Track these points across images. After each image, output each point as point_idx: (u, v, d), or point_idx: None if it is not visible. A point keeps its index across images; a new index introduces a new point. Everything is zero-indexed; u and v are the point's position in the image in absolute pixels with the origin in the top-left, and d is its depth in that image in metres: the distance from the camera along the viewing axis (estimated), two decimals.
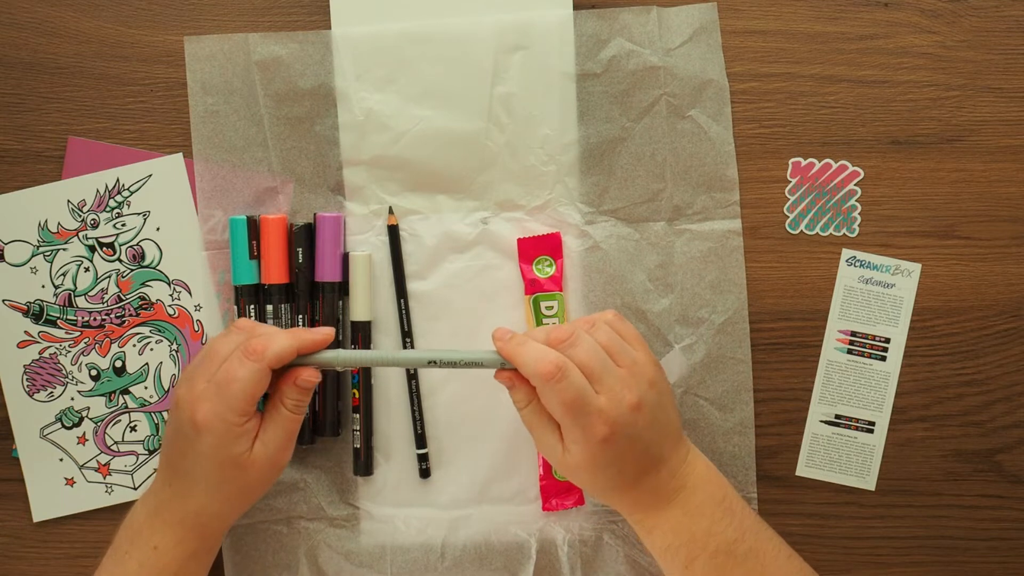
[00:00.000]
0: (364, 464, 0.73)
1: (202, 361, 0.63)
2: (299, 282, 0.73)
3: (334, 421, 0.73)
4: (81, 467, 0.75)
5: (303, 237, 0.73)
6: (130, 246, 0.75)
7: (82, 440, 0.75)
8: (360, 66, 0.73)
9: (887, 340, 0.73)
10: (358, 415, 0.73)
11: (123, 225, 0.74)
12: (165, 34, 0.74)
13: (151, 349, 0.75)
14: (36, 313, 0.74)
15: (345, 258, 0.73)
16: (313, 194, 0.74)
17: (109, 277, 0.75)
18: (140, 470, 0.75)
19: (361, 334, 0.73)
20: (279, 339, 0.62)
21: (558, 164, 0.73)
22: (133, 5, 0.74)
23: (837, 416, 0.74)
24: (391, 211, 0.74)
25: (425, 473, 0.74)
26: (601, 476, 0.61)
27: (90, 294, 0.75)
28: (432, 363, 0.63)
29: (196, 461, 0.62)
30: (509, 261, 0.74)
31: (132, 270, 0.75)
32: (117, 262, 0.75)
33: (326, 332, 0.64)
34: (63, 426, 0.75)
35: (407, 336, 0.73)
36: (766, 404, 0.74)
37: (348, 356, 0.64)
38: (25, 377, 0.75)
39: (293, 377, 0.63)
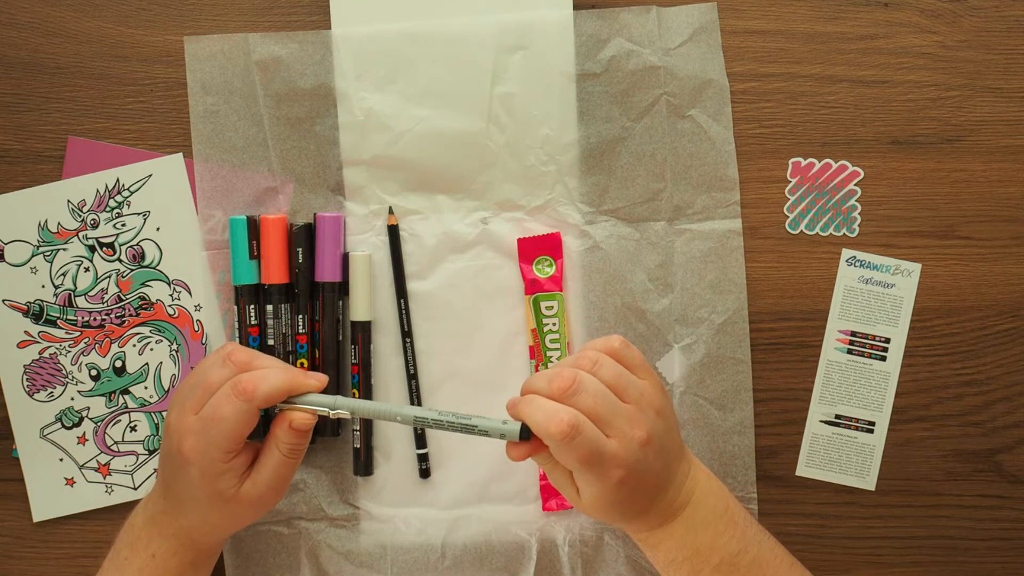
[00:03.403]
0: (364, 464, 0.73)
1: (193, 389, 0.62)
2: (299, 282, 0.73)
3: (334, 421, 0.73)
4: (81, 467, 0.75)
5: (303, 237, 0.73)
6: (130, 246, 0.75)
7: (82, 440, 0.75)
8: (360, 66, 0.73)
9: (887, 340, 0.73)
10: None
11: (123, 225, 0.74)
12: (165, 34, 0.74)
13: (151, 349, 0.75)
14: (36, 313, 0.75)
15: (345, 258, 0.74)
16: (313, 194, 0.74)
17: (109, 277, 0.75)
18: (140, 470, 0.75)
19: (361, 334, 0.73)
20: (270, 379, 0.60)
21: (558, 164, 0.73)
22: (133, 5, 0.74)
23: (837, 416, 0.74)
24: (391, 211, 0.74)
25: (425, 473, 0.74)
26: (614, 511, 0.61)
27: (90, 294, 0.75)
28: (436, 423, 0.60)
29: (185, 487, 0.61)
30: (509, 261, 0.74)
31: (132, 270, 0.75)
32: (117, 262, 0.75)
33: (320, 378, 0.62)
34: (63, 426, 0.75)
35: (407, 336, 0.73)
36: (766, 404, 0.74)
37: (347, 404, 0.62)
38: (25, 377, 0.75)
39: (287, 420, 0.61)
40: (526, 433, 0.59)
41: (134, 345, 0.75)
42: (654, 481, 0.60)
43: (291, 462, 0.62)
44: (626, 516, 0.62)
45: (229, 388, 0.59)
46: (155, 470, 0.74)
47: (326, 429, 0.73)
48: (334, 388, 0.73)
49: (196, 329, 0.75)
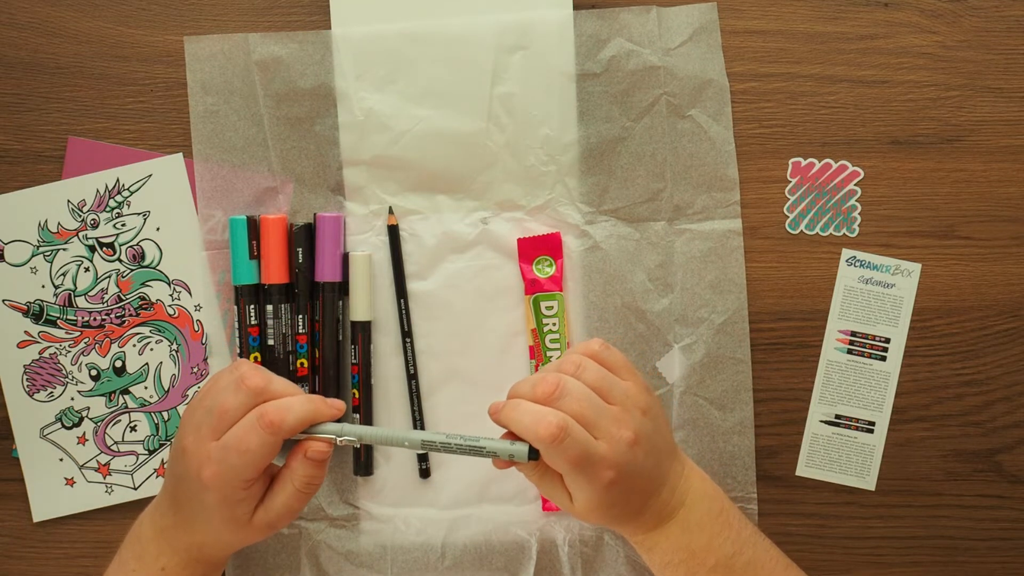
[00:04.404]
0: (364, 464, 0.73)
1: (209, 413, 0.60)
2: (299, 282, 0.73)
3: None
4: (81, 467, 0.75)
5: (303, 237, 0.73)
6: (130, 246, 0.75)
7: (82, 440, 0.75)
8: (360, 66, 0.73)
9: (887, 340, 0.73)
10: (358, 415, 0.73)
11: (123, 225, 0.74)
12: (165, 34, 0.74)
13: (151, 349, 0.75)
14: (36, 313, 0.75)
15: (345, 258, 0.74)
16: (313, 194, 0.74)
17: (109, 277, 0.75)
18: (140, 470, 0.75)
19: (361, 334, 0.73)
20: (295, 410, 0.59)
21: (558, 164, 0.73)
22: (133, 5, 0.75)
23: (837, 416, 0.74)
24: (391, 211, 0.74)
25: (425, 473, 0.74)
26: (608, 514, 0.61)
27: (90, 294, 0.75)
28: (444, 446, 0.60)
29: (200, 509, 0.61)
30: (509, 261, 0.74)
31: (132, 270, 0.75)
32: (117, 262, 0.75)
33: (339, 405, 0.62)
34: (63, 426, 0.75)
35: (407, 336, 0.73)
36: (766, 404, 0.74)
37: (353, 430, 0.61)
38: (25, 377, 0.75)
39: (303, 450, 0.61)
40: (534, 453, 0.59)
41: (134, 345, 0.75)
42: (646, 482, 0.60)
43: (305, 496, 0.62)
44: (620, 519, 0.62)
45: (255, 420, 0.58)
46: (155, 470, 0.74)
47: None
48: (335, 388, 0.73)
49: (196, 329, 0.75)
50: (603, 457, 0.58)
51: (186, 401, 0.75)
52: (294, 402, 0.60)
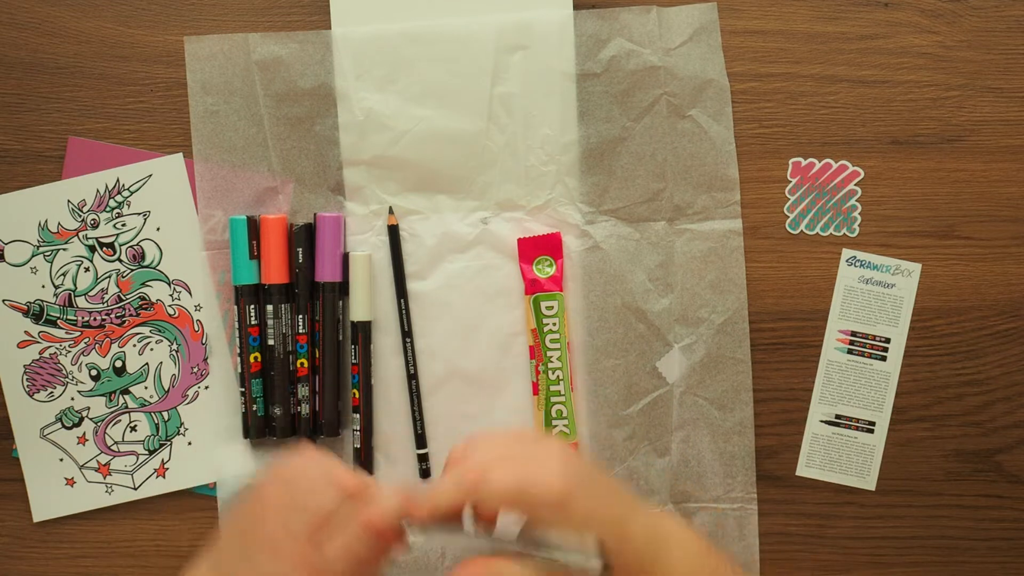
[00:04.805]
0: (364, 464, 0.73)
1: (303, 512, 0.58)
2: (299, 282, 0.73)
3: (334, 421, 0.73)
4: (81, 467, 0.75)
5: (303, 237, 0.73)
6: (130, 246, 0.75)
7: (82, 440, 0.75)
8: (360, 66, 0.73)
9: (887, 340, 0.73)
10: (358, 415, 0.73)
11: (123, 225, 0.74)
12: (165, 34, 0.74)
13: (151, 349, 0.75)
14: (36, 313, 0.75)
15: (345, 258, 0.74)
16: (313, 194, 0.74)
17: (109, 277, 0.75)
18: (140, 470, 0.75)
19: (361, 334, 0.73)
20: (393, 512, 0.58)
21: (558, 164, 0.73)
22: (133, 5, 0.75)
23: (837, 416, 0.74)
24: (391, 211, 0.74)
25: (425, 473, 0.74)
26: (587, 501, 0.56)
27: (90, 294, 0.75)
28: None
29: None
30: (509, 261, 0.74)
31: (132, 270, 0.75)
32: (117, 262, 0.75)
33: (426, 506, 0.59)
34: (63, 426, 0.75)
35: (407, 336, 0.73)
36: (766, 404, 0.74)
37: (426, 534, 0.59)
38: (25, 377, 0.75)
39: (386, 543, 0.59)
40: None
41: (134, 345, 0.75)
42: (604, 487, 0.57)
43: None
44: (616, 507, 0.57)
45: (362, 530, 0.58)
46: (155, 470, 0.74)
47: (326, 429, 0.73)
48: (334, 388, 0.73)
49: (196, 329, 0.75)
50: (538, 471, 0.55)
51: (186, 401, 0.75)
52: (390, 504, 0.59)
